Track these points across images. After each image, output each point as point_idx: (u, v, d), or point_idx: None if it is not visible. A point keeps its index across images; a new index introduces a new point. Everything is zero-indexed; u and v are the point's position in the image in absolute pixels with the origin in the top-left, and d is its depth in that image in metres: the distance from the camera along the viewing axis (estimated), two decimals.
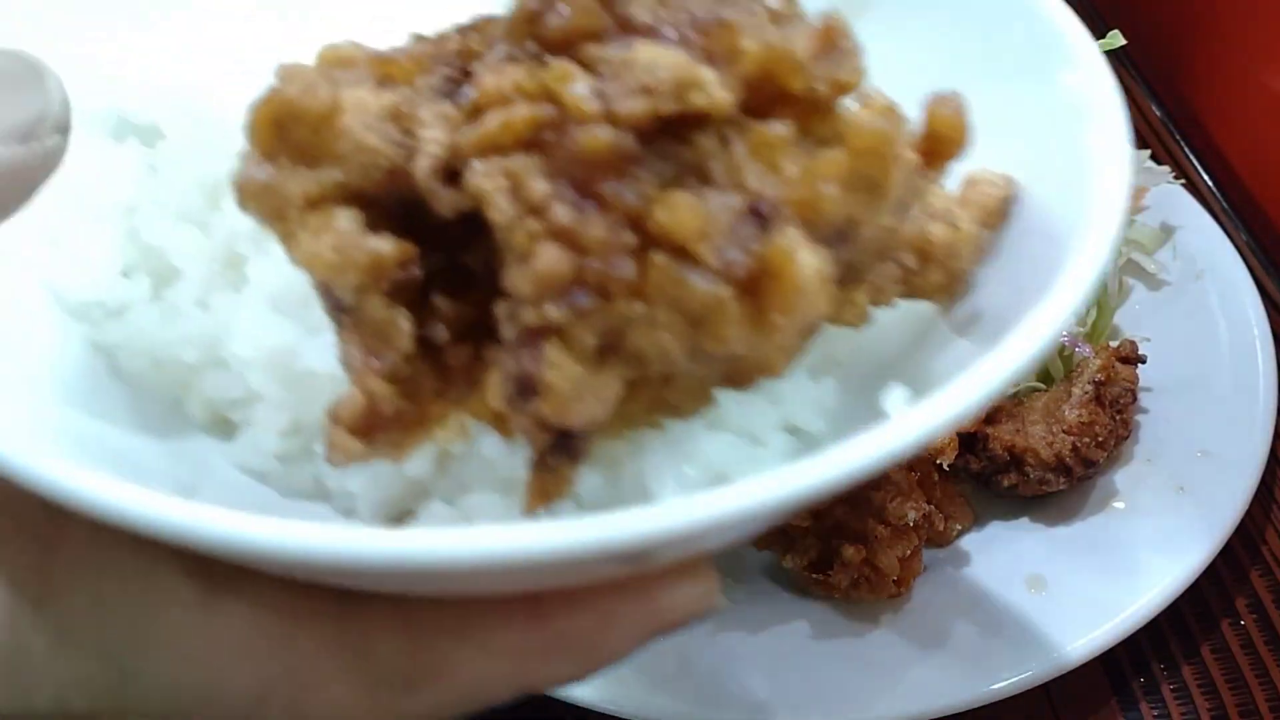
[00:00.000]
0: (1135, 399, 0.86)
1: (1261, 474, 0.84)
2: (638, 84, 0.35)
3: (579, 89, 0.35)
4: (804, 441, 0.47)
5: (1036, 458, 0.83)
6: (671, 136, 0.35)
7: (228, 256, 0.50)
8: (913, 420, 0.34)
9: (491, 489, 0.45)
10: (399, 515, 0.46)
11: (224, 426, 0.50)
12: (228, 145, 0.49)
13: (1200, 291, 0.96)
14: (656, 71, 0.35)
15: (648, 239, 0.35)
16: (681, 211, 0.34)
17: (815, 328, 0.38)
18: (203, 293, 0.50)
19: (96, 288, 0.51)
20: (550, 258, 0.34)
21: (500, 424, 0.40)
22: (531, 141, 0.35)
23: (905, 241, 0.44)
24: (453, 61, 0.40)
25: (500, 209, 0.35)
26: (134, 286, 0.51)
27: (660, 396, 0.38)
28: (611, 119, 0.35)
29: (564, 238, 0.34)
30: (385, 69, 0.40)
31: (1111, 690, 0.81)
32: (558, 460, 0.37)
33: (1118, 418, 0.85)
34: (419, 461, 0.44)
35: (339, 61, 0.40)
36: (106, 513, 0.32)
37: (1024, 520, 0.86)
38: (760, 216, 0.35)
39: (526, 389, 0.35)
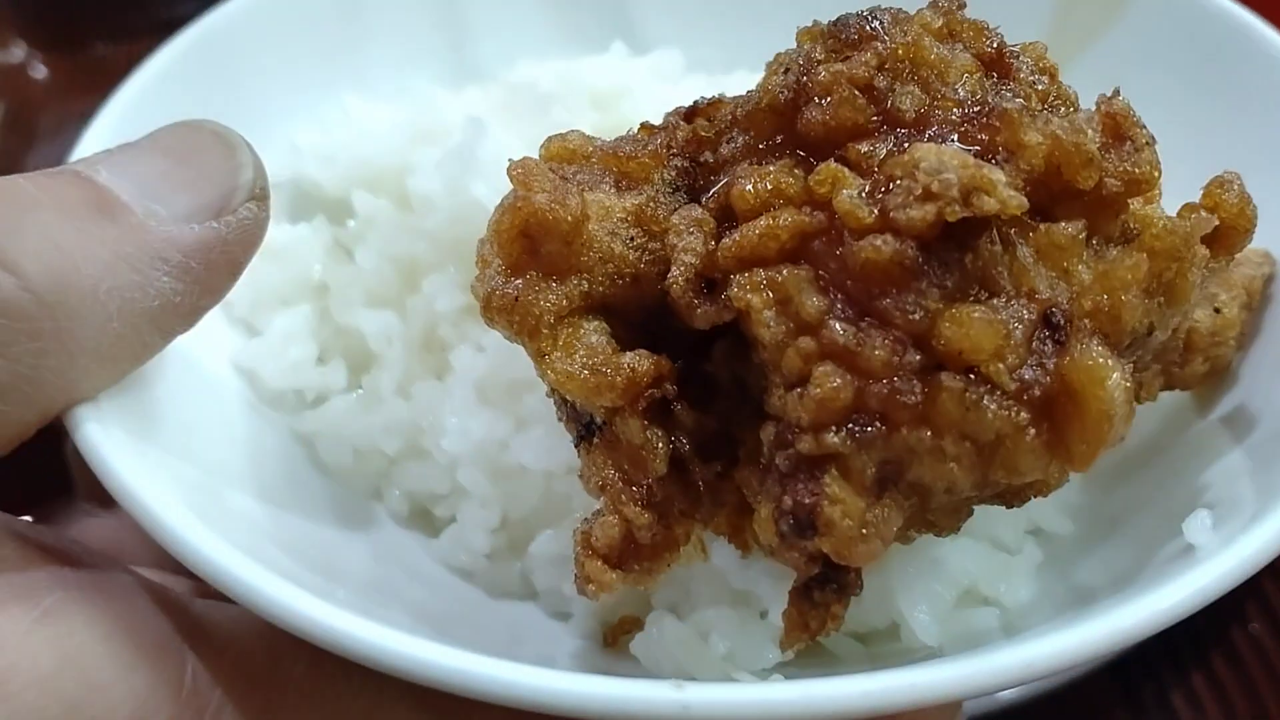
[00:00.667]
0: None
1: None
2: (920, 188, 0.31)
3: (851, 194, 0.32)
4: (1051, 545, 0.45)
5: None
6: (953, 243, 0.32)
7: (426, 341, 0.50)
8: (1227, 559, 0.34)
9: (722, 602, 0.43)
10: (618, 622, 0.45)
11: (424, 519, 0.49)
12: (420, 225, 0.50)
13: None
14: (942, 173, 0.31)
15: (934, 358, 0.31)
16: (973, 327, 0.31)
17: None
18: (404, 380, 0.49)
19: (294, 375, 0.50)
20: (829, 382, 0.31)
21: (736, 537, 0.38)
22: (798, 252, 0.32)
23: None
24: (685, 151, 0.37)
25: (768, 326, 0.32)
26: (331, 373, 0.51)
27: (921, 515, 0.36)
28: (891, 227, 0.31)
29: (843, 359, 0.31)
30: (621, 165, 0.37)
31: (1121, 696, 0.80)
32: (825, 595, 0.35)
33: None
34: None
35: (568, 156, 0.38)
36: (353, 650, 0.32)
37: None
38: (1055, 328, 0.32)
39: (804, 525, 0.32)
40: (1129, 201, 0.35)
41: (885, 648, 0.44)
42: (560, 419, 0.37)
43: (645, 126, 0.38)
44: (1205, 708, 0.80)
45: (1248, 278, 0.43)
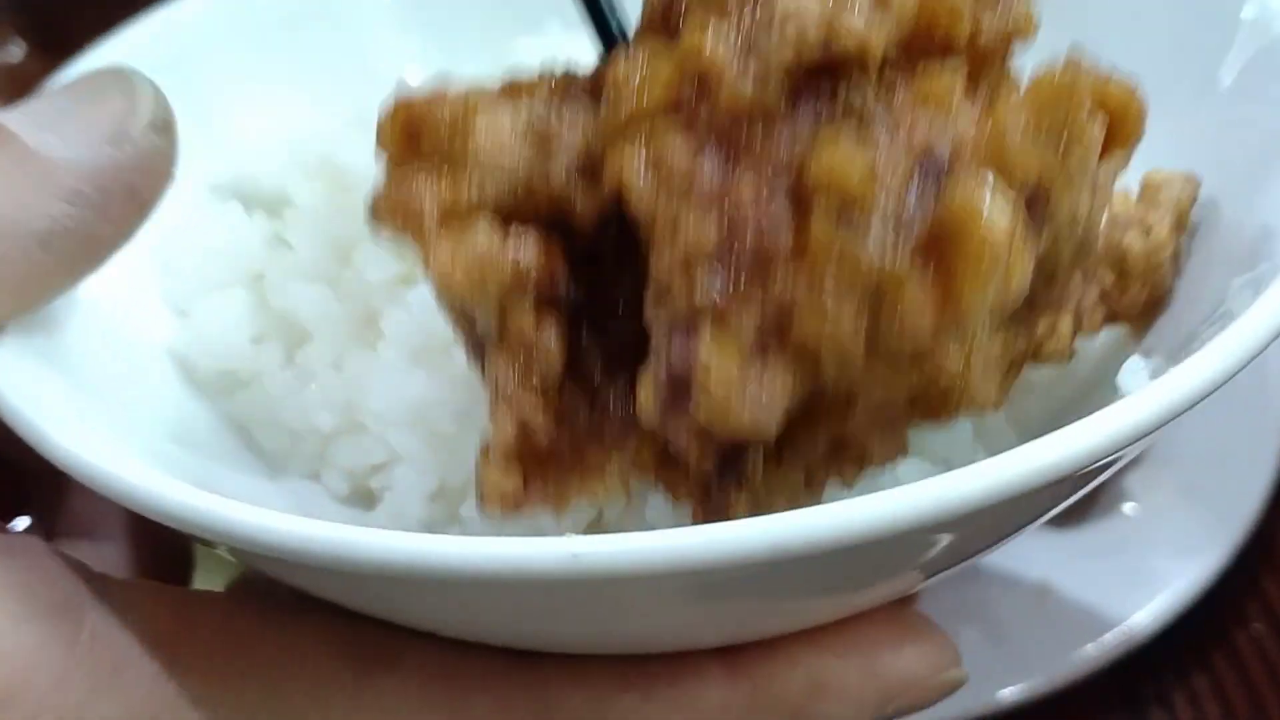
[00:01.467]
0: None
1: (1276, 477, 0.82)
2: (778, 31, 0.31)
3: (715, 41, 0.31)
4: None
5: None
6: (826, 92, 0.31)
7: (362, 314, 0.48)
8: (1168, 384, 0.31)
9: None
10: None
11: (365, 498, 0.47)
12: (357, 205, 0.47)
13: None
14: (800, 15, 0.31)
15: (805, 200, 0.30)
16: (841, 155, 0.30)
17: (1011, 316, 0.33)
18: (337, 354, 0.48)
19: (226, 357, 0.49)
20: (695, 226, 0.30)
21: (667, 479, 0.35)
22: (672, 110, 0.32)
23: (1099, 254, 0.40)
24: (580, 85, 0.37)
25: (639, 186, 0.31)
26: (264, 353, 0.49)
27: (843, 435, 0.34)
28: (756, 72, 0.31)
29: (710, 201, 0.30)
30: (514, 89, 0.37)
31: (1122, 697, 0.80)
32: (724, 484, 0.33)
33: None
34: (575, 525, 0.41)
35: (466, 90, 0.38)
36: (216, 528, 0.30)
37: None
38: (935, 165, 0.30)
39: (680, 389, 0.30)
40: (1007, 60, 0.34)
41: None
42: (456, 335, 0.36)
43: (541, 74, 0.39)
44: (1206, 708, 0.79)
45: (1174, 199, 0.42)
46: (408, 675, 0.34)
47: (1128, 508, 0.84)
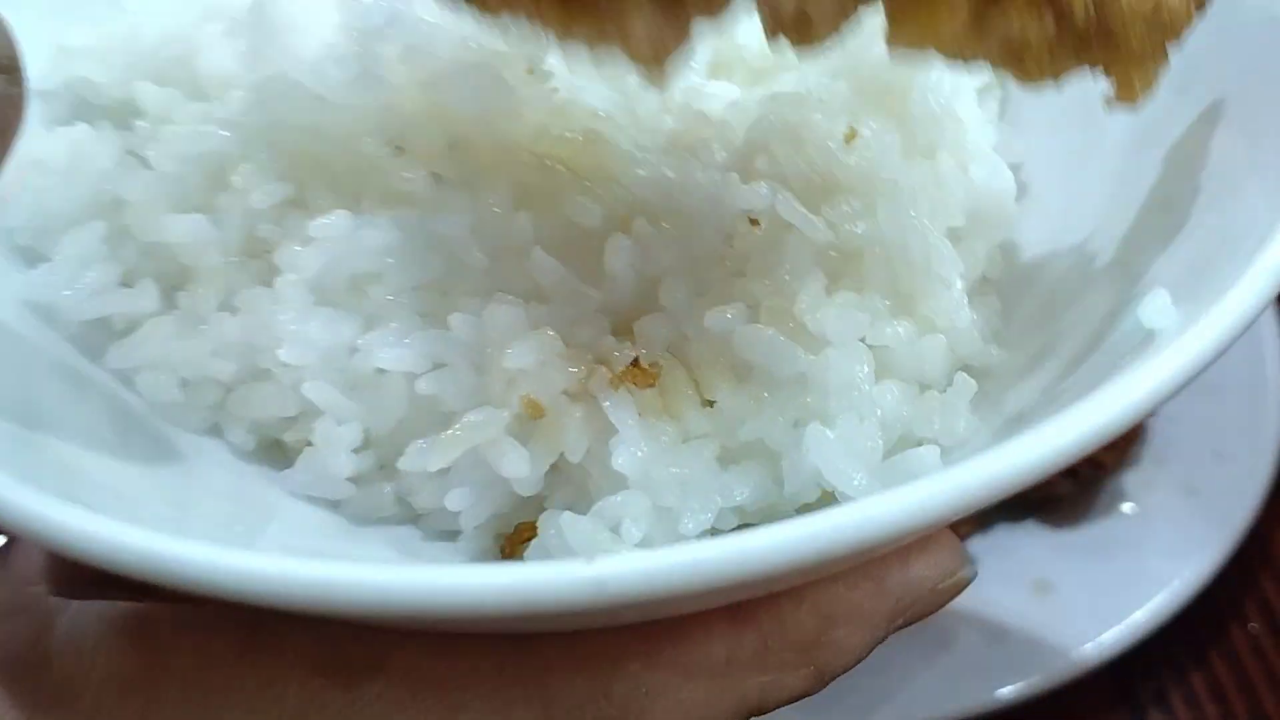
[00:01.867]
0: None
1: (1273, 476, 0.83)
2: None
3: None
4: (985, 380, 0.41)
5: None
6: None
7: (247, 245, 0.43)
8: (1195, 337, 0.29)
9: (622, 488, 0.38)
10: (514, 531, 0.40)
11: (275, 451, 0.43)
12: (220, 113, 0.43)
13: None
14: None
15: None
16: None
17: None
18: (227, 293, 0.42)
19: (96, 303, 0.42)
20: None
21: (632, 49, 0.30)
22: None
23: None
24: None
25: None
26: (140, 296, 0.43)
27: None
28: None
29: None
30: None
31: (1120, 696, 0.80)
32: None
33: None
34: (531, 471, 0.39)
35: None
36: (156, 572, 0.27)
37: (1030, 523, 0.85)
38: None
39: None
40: None
41: None
42: None
43: None
44: (1204, 707, 0.79)
45: None
46: (397, 682, 0.33)
47: (1126, 508, 0.85)
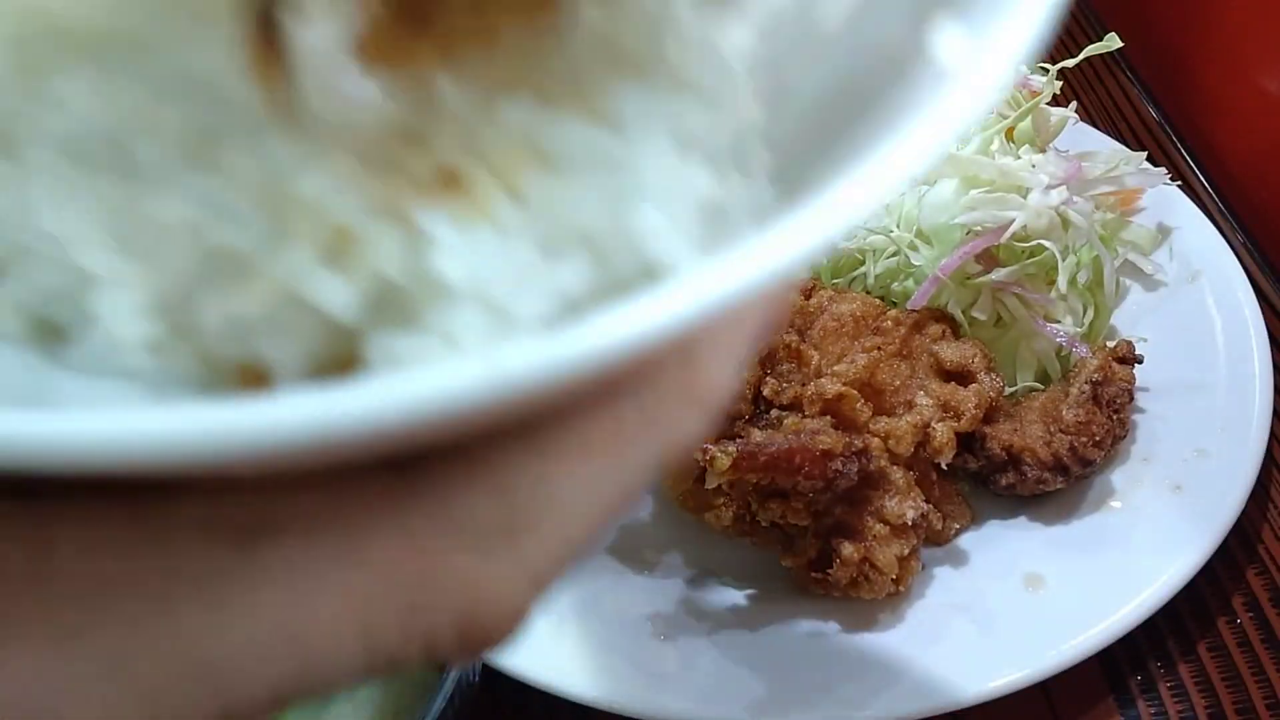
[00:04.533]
0: (1132, 399, 0.88)
1: (1258, 474, 0.84)
2: None
3: None
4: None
5: (1034, 457, 0.83)
6: None
7: None
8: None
9: (464, 294, 0.36)
10: (335, 368, 0.36)
11: (52, 335, 0.38)
12: None
13: (1197, 292, 0.97)
14: None
15: None
16: None
17: None
18: None
19: None
20: None
21: None
22: None
23: None
24: None
25: None
26: None
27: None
28: None
29: None
30: None
31: (1109, 688, 0.82)
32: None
33: (1115, 417, 0.86)
34: (344, 298, 0.35)
35: None
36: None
37: (1022, 519, 0.87)
38: None
39: None
40: None
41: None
42: None
43: None
44: (1191, 698, 0.81)
45: None
46: (294, 536, 0.31)
47: (1115, 504, 0.87)
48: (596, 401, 0.33)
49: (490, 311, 0.35)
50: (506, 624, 0.33)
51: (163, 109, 0.38)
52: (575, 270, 0.36)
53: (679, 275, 0.27)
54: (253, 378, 0.36)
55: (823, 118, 0.41)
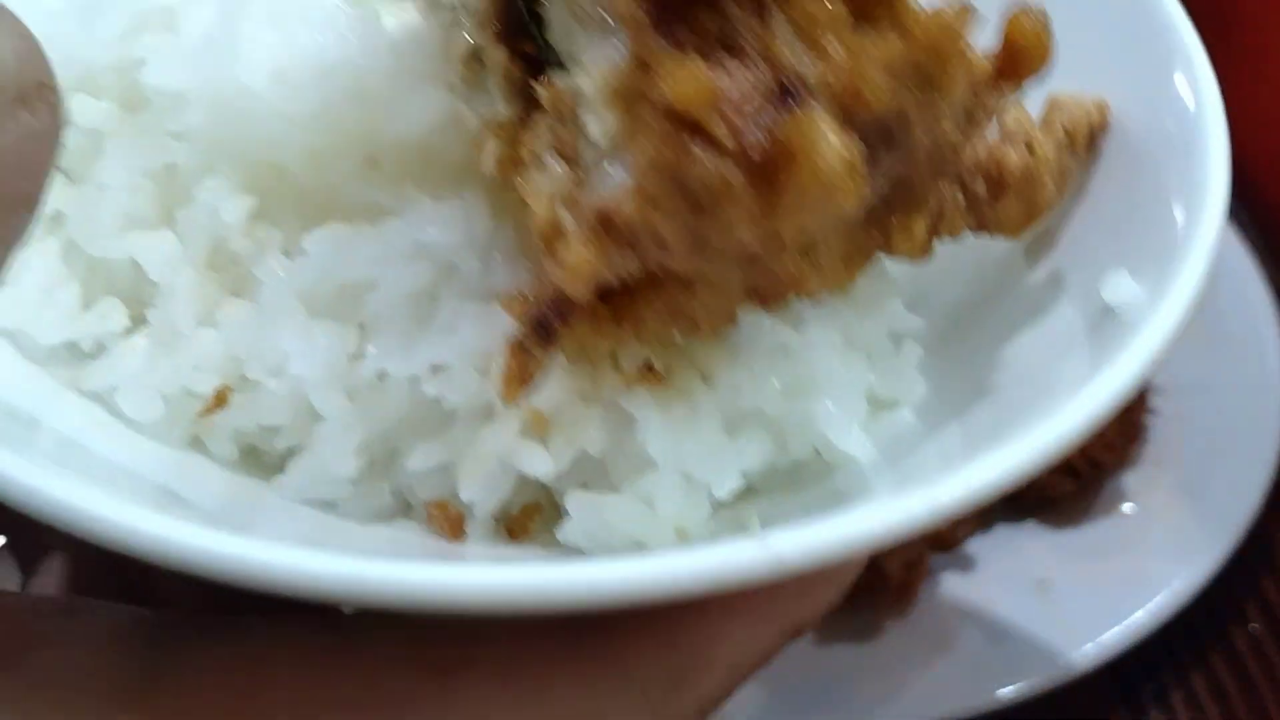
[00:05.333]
0: (1145, 401, 0.86)
1: (1274, 476, 0.83)
2: None
3: None
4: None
5: None
6: (698, 6, 0.33)
7: (212, 259, 0.43)
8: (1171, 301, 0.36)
9: (644, 468, 0.41)
10: (520, 511, 0.42)
11: (256, 460, 0.43)
12: (171, 126, 0.43)
13: (1211, 293, 0.95)
14: None
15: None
16: (685, 79, 0.32)
17: (847, 237, 0.37)
18: (201, 308, 0.42)
19: (65, 325, 0.42)
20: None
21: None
22: None
23: (974, 165, 0.41)
24: None
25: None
26: (106, 317, 0.43)
27: (678, 306, 0.37)
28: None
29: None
30: None
31: (1120, 696, 0.80)
32: (534, 336, 0.36)
33: (1127, 419, 0.84)
34: (539, 461, 0.40)
35: None
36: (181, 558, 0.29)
37: (1031, 523, 0.86)
38: (788, 93, 0.33)
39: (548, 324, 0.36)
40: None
41: (817, 487, 0.43)
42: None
43: None
44: (1205, 708, 0.80)
45: (1073, 120, 0.44)
46: (488, 672, 0.35)
47: (1127, 508, 0.85)
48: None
49: (686, 483, 0.40)
50: None
51: (397, 268, 0.41)
52: (754, 451, 0.41)
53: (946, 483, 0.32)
54: (444, 516, 0.41)
55: (959, 321, 0.46)
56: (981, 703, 0.75)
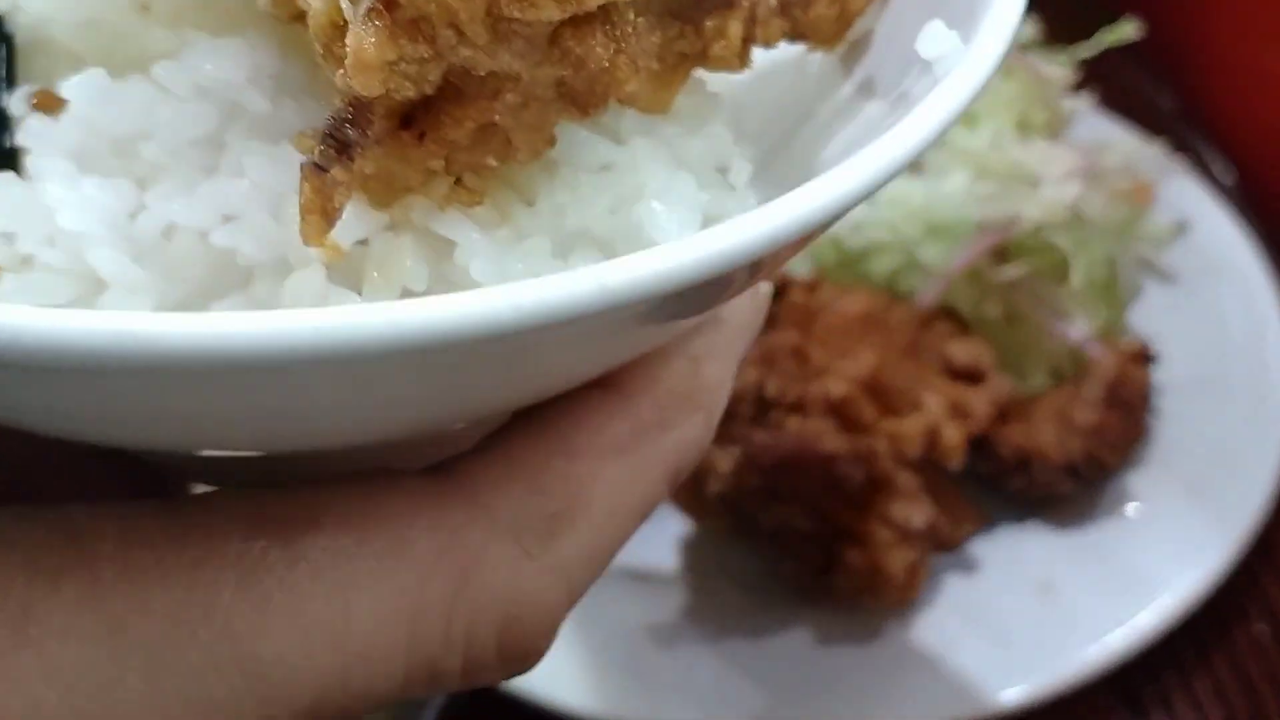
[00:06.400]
0: (1148, 400, 0.85)
1: (1278, 477, 0.82)
2: None
3: None
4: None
5: (1047, 460, 0.82)
6: None
7: None
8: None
9: None
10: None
11: None
12: None
13: (1215, 288, 0.96)
14: None
15: None
16: None
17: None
18: None
19: None
20: None
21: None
22: None
23: None
24: None
25: None
26: None
27: (488, 120, 0.34)
28: None
29: None
30: None
31: (1122, 699, 0.80)
32: (327, 151, 0.33)
33: (1130, 419, 0.84)
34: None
35: None
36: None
37: (1034, 524, 0.86)
38: None
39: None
40: None
41: None
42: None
43: None
44: (1207, 710, 0.79)
45: None
46: (339, 530, 0.32)
47: (1130, 509, 0.85)
48: (608, 405, 0.35)
49: None
50: (544, 635, 0.34)
51: (176, 113, 0.37)
52: (586, 264, 0.37)
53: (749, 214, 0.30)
54: None
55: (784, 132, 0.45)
56: (985, 705, 0.74)
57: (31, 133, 0.38)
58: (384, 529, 0.32)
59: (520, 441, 0.34)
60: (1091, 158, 0.94)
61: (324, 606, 0.31)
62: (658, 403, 0.35)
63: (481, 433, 0.37)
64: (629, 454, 0.35)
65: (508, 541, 0.33)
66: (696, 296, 0.32)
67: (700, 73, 0.41)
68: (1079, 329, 0.90)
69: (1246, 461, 0.84)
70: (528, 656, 0.34)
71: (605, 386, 0.35)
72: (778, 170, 0.44)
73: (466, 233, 0.36)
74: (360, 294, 0.35)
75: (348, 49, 0.31)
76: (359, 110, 0.33)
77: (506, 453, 0.34)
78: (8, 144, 0.37)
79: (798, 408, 0.80)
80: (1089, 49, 0.98)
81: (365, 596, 0.31)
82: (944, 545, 0.83)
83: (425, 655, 0.32)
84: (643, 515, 0.36)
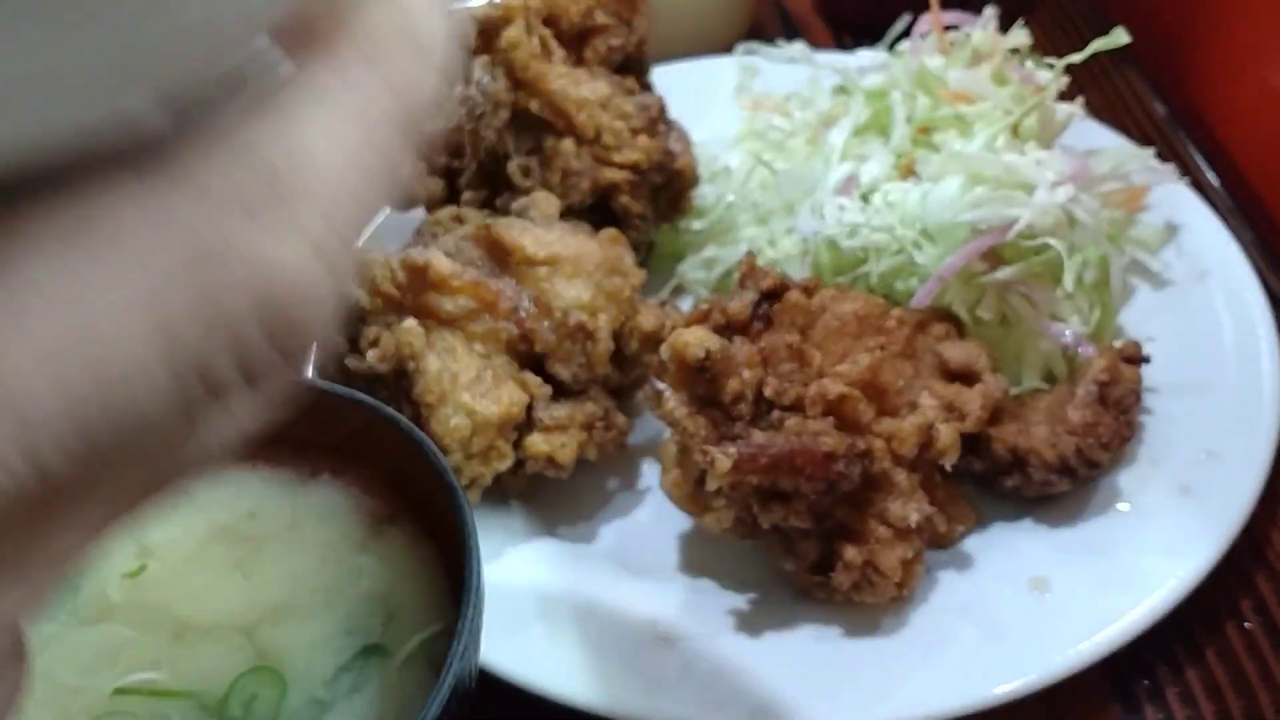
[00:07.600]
0: (1139, 400, 0.87)
1: (1267, 475, 0.83)
2: None
3: None
4: None
5: (1040, 459, 0.83)
6: None
7: None
8: None
9: None
10: None
11: None
12: None
13: (1205, 291, 0.97)
14: None
15: None
16: None
17: None
18: None
19: None
20: None
21: None
22: None
23: None
24: None
25: None
26: None
27: None
28: None
29: None
30: None
31: (1115, 694, 0.81)
32: None
33: (1122, 418, 0.85)
34: None
35: None
36: None
37: (1027, 521, 0.86)
38: None
39: None
40: None
41: None
42: None
43: None
44: (1199, 704, 0.80)
45: None
46: (46, 235, 0.28)
47: (1122, 506, 0.86)
48: (312, 50, 0.32)
49: None
50: (305, 303, 0.31)
51: None
52: None
53: None
54: None
55: None
56: (977, 700, 0.75)
57: None
58: (101, 225, 0.29)
59: (221, 115, 0.31)
60: (1083, 163, 0.95)
61: (56, 316, 0.28)
62: (359, 47, 0.32)
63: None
64: (343, 101, 0.32)
65: (229, 210, 0.30)
66: None
67: None
68: (1071, 330, 0.92)
69: (1236, 460, 0.85)
70: (298, 331, 0.31)
71: (303, 45, 0.32)
72: None
73: None
74: None
75: None
76: None
77: (206, 126, 0.30)
78: None
79: (796, 408, 0.81)
80: (1080, 56, 1.00)
81: (97, 296, 0.28)
82: (939, 542, 0.85)
83: (185, 349, 0.29)
84: (379, 171, 0.32)
